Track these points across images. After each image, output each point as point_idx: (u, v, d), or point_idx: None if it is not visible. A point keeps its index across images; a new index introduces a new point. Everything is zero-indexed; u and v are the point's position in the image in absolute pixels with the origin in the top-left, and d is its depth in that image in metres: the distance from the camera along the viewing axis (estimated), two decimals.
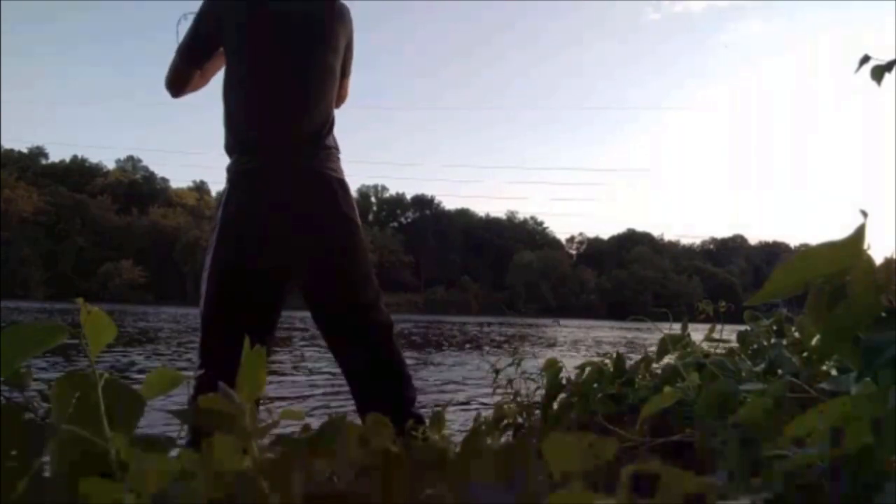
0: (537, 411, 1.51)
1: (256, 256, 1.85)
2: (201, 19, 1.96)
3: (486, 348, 12.44)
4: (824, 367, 1.03)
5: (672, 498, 0.33)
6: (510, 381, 1.78)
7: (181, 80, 2.03)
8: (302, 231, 1.88)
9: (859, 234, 0.55)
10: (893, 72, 1.50)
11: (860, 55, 1.54)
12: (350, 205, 1.98)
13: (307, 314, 2.00)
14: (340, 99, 2.19)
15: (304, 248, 1.89)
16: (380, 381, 1.92)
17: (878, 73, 1.50)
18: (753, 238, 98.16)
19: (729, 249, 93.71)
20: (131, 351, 8.71)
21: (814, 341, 1.12)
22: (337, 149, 2.02)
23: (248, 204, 1.87)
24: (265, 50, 1.93)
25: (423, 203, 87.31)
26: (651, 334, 1.53)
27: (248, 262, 1.85)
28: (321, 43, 1.98)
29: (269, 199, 1.86)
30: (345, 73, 2.14)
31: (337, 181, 1.96)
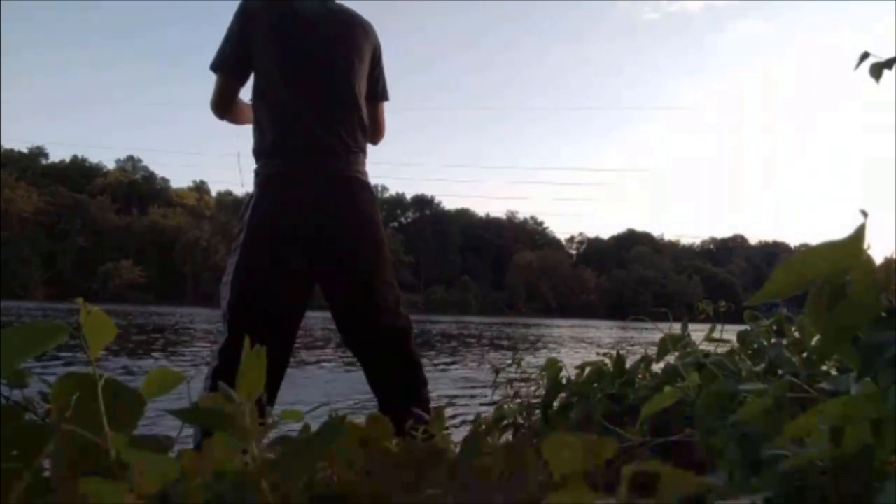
0: (537, 411, 1.51)
1: (284, 259, 1.86)
2: (231, 33, 1.99)
3: (486, 348, 12.45)
4: (824, 367, 1.03)
5: (672, 498, 0.33)
6: (510, 382, 1.78)
7: (224, 96, 2.04)
8: (327, 234, 1.90)
9: (859, 234, 0.55)
10: (893, 71, 1.50)
11: (860, 53, 1.53)
12: (375, 209, 2.01)
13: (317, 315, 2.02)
14: (379, 129, 2.21)
15: (329, 252, 1.91)
16: (399, 384, 1.95)
17: (877, 71, 1.50)
18: (753, 238, 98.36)
19: (729, 249, 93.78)
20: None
21: (814, 341, 1.12)
22: (364, 152, 2.05)
23: (276, 207, 1.89)
24: (291, 56, 1.96)
25: (423, 203, 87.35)
26: (651, 334, 1.53)
27: (275, 265, 1.86)
28: (347, 49, 2.01)
29: (296, 202, 1.88)
30: (377, 93, 2.15)
31: (364, 184, 1.99)
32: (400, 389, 1.94)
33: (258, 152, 1.97)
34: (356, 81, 2.02)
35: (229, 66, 2.00)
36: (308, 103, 1.94)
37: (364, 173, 2.01)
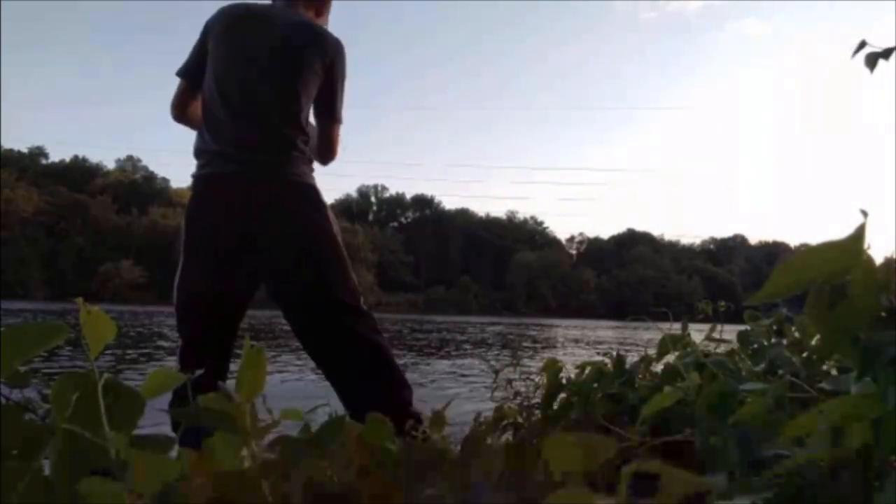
0: (537, 411, 1.51)
1: (221, 262, 1.86)
2: (195, 45, 2.06)
3: (486, 348, 12.45)
4: (824, 367, 1.03)
5: (672, 498, 0.33)
6: (510, 382, 1.78)
7: (177, 99, 2.09)
8: (262, 235, 1.88)
9: (859, 234, 0.55)
10: (893, 73, 1.49)
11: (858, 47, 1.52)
12: (316, 208, 1.97)
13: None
14: (328, 149, 2.11)
15: (265, 254, 1.89)
16: (366, 386, 1.88)
17: (872, 61, 1.49)
18: (753, 238, 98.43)
19: (729, 249, 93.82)
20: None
21: (814, 341, 1.12)
22: (305, 155, 2.01)
23: (209, 209, 1.90)
24: (234, 56, 1.97)
25: (423, 203, 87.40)
26: (651, 334, 1.53)
27: (212, 268, 1.86)
28: (294, 55, 1.98)
29: (228, 203, 1.88)
30: (330, 112, 2.09)
31: (304, 185, 1.97)
32: (368, 392, 1.86)
33: (196, 153, 1.98)
34: (300, 88, 1.98)
35: (186, 73, 2.07)
36: (245, 104, 1.94)
37: (303, 174, 1.98)
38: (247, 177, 1.90)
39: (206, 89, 1.99)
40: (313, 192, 1.99)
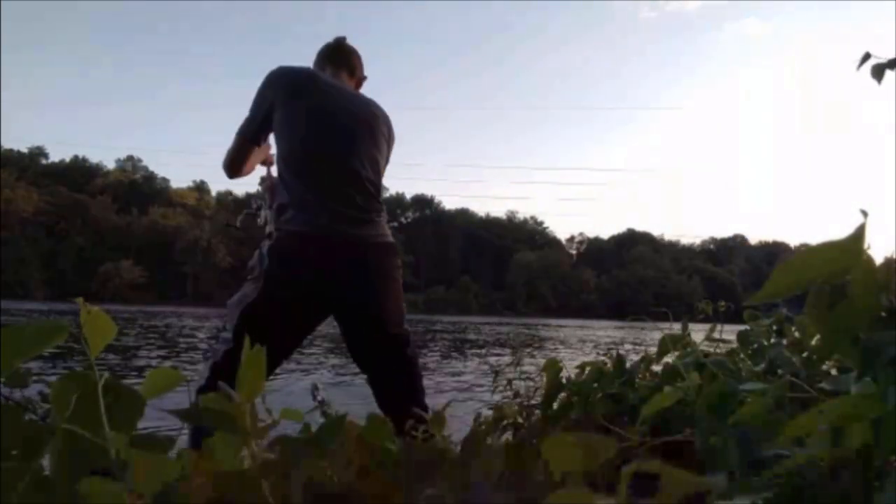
0: (537, 411, 1.51)
1: (297, 313, 1.98)
2: (258, 103, 2.11)
3: (486, 348, 12.45)
4: (824, 367, 1.03)
5: (672, 498, 0.33)
6: (510, 382, 1.78)
7: (240, 157, 2.19)
8: (348, 289, 2.00)
9: (859, 234, 0.55)
10: (894, 73, 1.49)
11: (859, 53, 1.53)
12: (395, 264, 2.13)
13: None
14: None
15: (347, 302, 2.02)
16: (402, 391, 2.08)
17: (878, 72, 1.49)
18: (753, 238, 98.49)
19: (729, 249, 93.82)
20: None
21: (814, 341, 1.12)
22: (385, 214, 2.17)
23: (297, 265, 1.98)
24: (314, 119, 2.05)
25: (423, 203, 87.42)
26: (651, 334, 1.53)
27: (287, 316, 1.97)
28: (372, 122, 2.15)
29: (319, 264, 1.98)
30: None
31: (388, 245, 2.12)
32: (401, 398, 2.04)
33: (282, 207, 2.05)
34: (379, 155, 2.15)
35: (250, 134, 2.15)
36: (338, 165, 2.04)
37: (387, 234, 2.14)
38: (338, 235, 2.00)
39: (287, 147, 2.06)
40: (394, 250, 2.15)
